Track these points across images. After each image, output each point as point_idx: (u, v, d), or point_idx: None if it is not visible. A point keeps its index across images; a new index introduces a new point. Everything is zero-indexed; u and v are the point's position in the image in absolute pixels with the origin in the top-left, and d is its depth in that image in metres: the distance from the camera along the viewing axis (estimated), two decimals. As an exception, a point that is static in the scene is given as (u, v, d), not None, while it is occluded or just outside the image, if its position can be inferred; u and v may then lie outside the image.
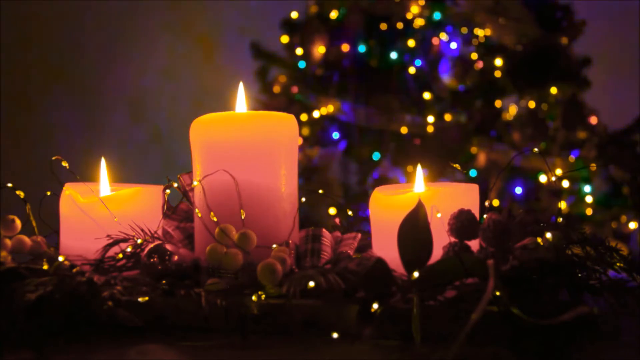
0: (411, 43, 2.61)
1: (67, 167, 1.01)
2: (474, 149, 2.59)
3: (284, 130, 0.99)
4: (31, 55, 3.47)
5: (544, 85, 2.61)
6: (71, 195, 1.00)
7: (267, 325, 0.86)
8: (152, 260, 0.91)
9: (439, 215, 0.88)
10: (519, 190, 2.58)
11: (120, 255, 0.94)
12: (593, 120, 2.70)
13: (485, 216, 0.88)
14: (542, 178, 2.56)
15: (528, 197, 2.59)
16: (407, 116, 2.60)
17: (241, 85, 1.05)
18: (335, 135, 2.70)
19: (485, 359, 0.78)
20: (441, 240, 0.87)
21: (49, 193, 1.02)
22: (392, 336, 0.83)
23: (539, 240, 0.87)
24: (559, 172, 2.52)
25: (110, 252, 0.94)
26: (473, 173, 2.53)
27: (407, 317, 0.80)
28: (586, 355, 0.77)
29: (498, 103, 2.65)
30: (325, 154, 2.64)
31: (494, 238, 0.85)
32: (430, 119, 2.56)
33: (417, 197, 0.87)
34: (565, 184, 2.60)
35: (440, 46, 2.61)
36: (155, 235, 0.97)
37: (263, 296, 0.85)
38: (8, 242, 0.98)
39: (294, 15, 2.81)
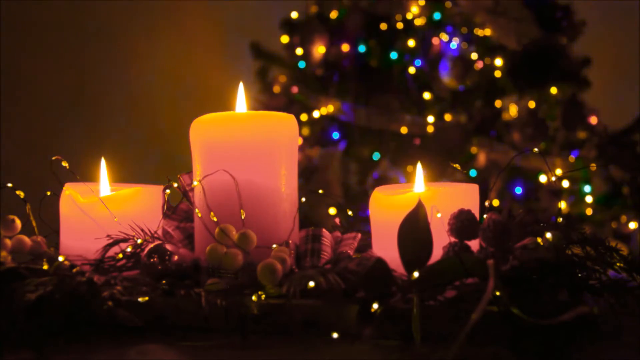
0: (411, 43, 2.60)
1: (67, 167, 1.01)
2: (474, 149, 2.59)
3: (284, 130, 0.99)
4: (31, 55, 3.47)
5: (544, 85, 2.61)
6: (71, 195, 1.00)
7: (267, 325, 0.86)
8: (152, 260, 0.91)
9: (439, 215, 0.88)
10: (519, 190, 2.58)
11: (120, 255, 0.94)
12: (593, 120, 2.70)
13: (485, 216, 0.88)
14: (542, 178, 2.56)
15: (528, 197, 2.58)
16: (407, 116, 2.59)
17: (241, 85, 1.05)
18: (335, 135, 2.70)
19: (485, 359, 0.78)
20: (441, 240, 0.87)
21: (49, 193, 1.02)
22: (392, 336, 0.83)
23: (539, 240, 0.87)
24: (559, 172, 2.52)
25: (110, 252, 0.94)
26: (473, 173, 2.53)
27: (407, 317, 0.80)
28: (586, 355, 0.77)
29: (498, 103, 2.65)
30: (325, 154, 2.64)
31: (494, 238, 0.85)
32: (430, 119, 2.56)
33: (417, 197, 0.87)
34: (565, 184, 2.60)
35: (440, 46, 2.61)
36: (155, 235, 0.97)
37: (263, 296, 0.85)
38: (8, 242, 0.98)
39: (294, 15, 2.81)
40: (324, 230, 1.00)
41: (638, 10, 3.29)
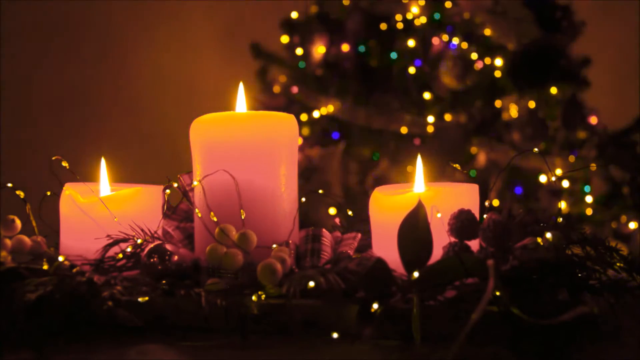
0: (411, 43, 2.60)
1: (67, 167, 1.01)
2: (474, 149, 2.59)
3: (284, 130, 0.99)
4: (31, 55, 3.47)
5: (544, 85, 2.61)
6: (71, 195, 1.00)
7: (267, 325, 0.86)
8: (152, 260, 0.91)
9: (439, 215, 0.88)
10: (519, 190, 2.58)
11: (120, 255, 0.94)
12: (593, 120, 2.70)
13: (485, 216, 0.88)
14: (542, 178, 2.56)
15: (528, 197, 2.58)
16: (407, 116, 2.59)
17: (241, 85, 1.05)
18: (335, 135, 2.70)
19: (485, 359, 0.78)
20: (441, 240, 0.87)
21: (49, 193, 1.02)
22: (392, 336, 0.83)
23: (539, 240, 0.87)
24: (559, 172, 2.52)
25: (110, 252, 0.94)
26: (473, 173, 2.53)
27: (407, 317, 0.80)
28: (586, 355, 0.77)
29: (498, 103, 2.65)
30: (325, 154, 2.64)
31: (494, 238, 0.85)
32: (430, 119, 2.56)
33: (417, 197, 0.87)
34: (565, 184, 2.60)
35: (440, 46, 2.61)
36: (155, 235, 0.97)
37: (263, 296, 0.85)
38: (8, 242, 0.98)
39: (294, 15, 2.81)
40: (324, 230, 1.00)
41: (638, 10, 3.29)
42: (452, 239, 0.88)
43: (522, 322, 0.76)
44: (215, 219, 0.93)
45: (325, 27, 2.72)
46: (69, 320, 0.85)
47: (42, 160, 1.07)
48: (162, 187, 1.02)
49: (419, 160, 0.98)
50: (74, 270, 0.91)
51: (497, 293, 0.77)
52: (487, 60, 2.60)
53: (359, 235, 1.02)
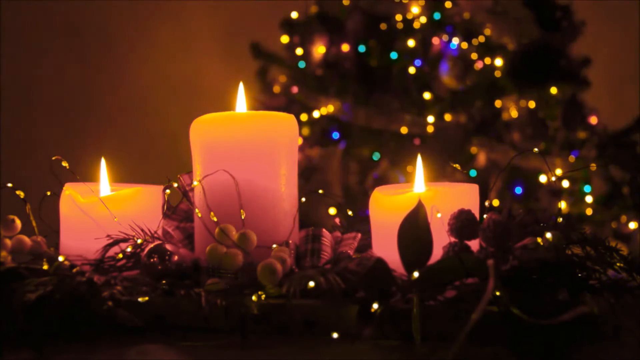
0: (411, 43, 2.61)
1: (67, 167, 1.01)
2: (474, 149, 2.59)
3: (284, 130, 0.99)
4: (31, 55, 3.47)
5: (544, 85, 2.61)
6: (71, 195, 1.00)
7: (267, 325, 0.86)
8: (152, 260, 0.91)
9: (439, 215, 0.88)
10: (519, 190, 2.58)
11: (120, 255, 0.94)
12: (593, 120, 2.70)
13: (485, 216, 0.88)
14: (542, 178, 2.56)
15: (528, 197, 2.59)
16: (407, 116, 2.59)
17: (241, 85, 1.05)
18: (335, 135, 2.70)
19: (485, 359, 0.78)
20: (441, 240, 0.87)
21: (49, 193, 1.02)
22: (392, 336, 0.83)
23: (539, 240, 0.87)
24: (559, 172, 2.52)
25: (110, 252, 0.94)
26: (473, 173, 2.53)
27: (407, 317, 0.80)
28: (586, 355, 0.77)
29: (498, 103, 2.65)
30: (325, 154, 2.64)
31: (494, 238, 0.85)
32: (430, 119, 2.56)
33: (417, 197, 0.87)
34: (565, 184, 2.60)
35: (440, 46, 2.61)
36: (155, 235, 0.97)
37: (263, 296, 0.85)
38: (8, 242, 0.98)
39: (294, 15, 2.81)
40: (324, 230, 1.00)
41: (638, 10, 3.29)
42: (452, 239, 0.88)
43: (522, 322, 0.76)
44: (215, 219, 0.93)
45: (325, 27, 2.72)
46: (69, 320, 0.85)
47: (42, 160, 1.07)
48: (162, 187, 1.02)
49: (419, 160, 0.98)
50: (74, 270, 0.91)
51: (497, 293, 0.77)
52: (487, 60, 2.60)
53: (359, 235, 1.02)
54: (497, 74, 2.60)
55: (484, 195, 0.95)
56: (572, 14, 2.72)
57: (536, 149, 1.03)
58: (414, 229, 0.84)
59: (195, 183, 0.98)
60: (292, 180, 1.00)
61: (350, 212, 1.11)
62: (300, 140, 2.69)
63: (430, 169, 1.02)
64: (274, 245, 0.93)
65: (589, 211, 2.62)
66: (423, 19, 2.62)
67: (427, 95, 2.58)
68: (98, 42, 3.51)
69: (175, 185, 1.00)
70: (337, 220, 1.09)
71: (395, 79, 2.63)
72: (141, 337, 0.86)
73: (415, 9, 2.62)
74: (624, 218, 2.64)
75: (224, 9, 3.54)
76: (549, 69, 2.62)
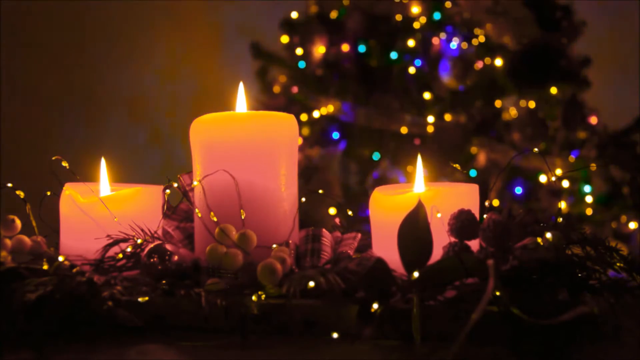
0: (411, 43, 2.60)
1: (67, 167, 1.01)
2: (474, 149, 2.59)
3: (284, 130, 0.99)
4: (31, 55, 3.47)
5: (544, 85, 2.61)
6: (71, 195, 1.00)
7: (267, 325, 0.86)
8: (152, 260, 0.91)
9: (439, 215, 0.88)
10: (519, 190, 2.58)
11: (120, 255, 0.94)
12: (593, 120, 2.70)
13: (485, 216, 0.88)
14: (542, 178, 2.56)
15: (528, 197, 2.58)
16: (407, 116, 2.59)
17: (241, 85, 1.05)
18: (335, 135, 2.70)
19: (485, 359, 0.78)
20: (441, 240, 0.87)
21: (49, 193, 1.02)
22: (392, 336, 0.83)
23: (539, 240, 0.87)
24: (559, 172, 2.52)
25: (110, 252, 0.94)
26: (473, 173, 2.53)
27: (407, 317, 0.80)
28: (586, 355, 0.77)
29: (498, 103, 2.65)
30: (325, 154, 2.64)
31: (494, 238, 0.85)
32: (430, 119, 2.56)
33: (417, 197, 0.87)
34: (565, 184, 2.60)
35: (440, 46, 2.61)
36: (155, 235, 0.97)
37: (263, 296, 0.85)
38: (8, 242, 0.98)
39: (294, 15, 2.80)
40: (324, 230, 1.00)
41: (638, 10, 3.29)
42: (452, 239, 0.88)
43: (522, 322, 0.76)
44: (215, 219, 0.93)
45: (325, 27, 2.72)
46: (69, 320, 0.85)
47: (42, 160, 1.07)
48: (162, 187, 1.02)
49: (419, 160, 0.98)
50: (74, 270, 0.91)
51: (497, 293, 0.77)
52: (487, 60, 2.60)
53: (359, 235, 1.02)
54: (497, 74, 2.60)
55: (484, 195, 0.95)
56: (572, 14, 2.72)
57: (536, 149, 1.04)
58: (414, 229, 0.84)
59: (195, 183, 0.98)
60: (292, 180, 1.00)
61: (350, 212, 1.11)
62: (300, 140, 2.69)
63: (430, 169, 1.02)
64: (274, 245, 0.93)
65: (589, 211, 2.62)
66: (423, 19, 2.62)
67: (427, 95, 2.58)
68: (98, 42, 3.51)
69: (175, 185, 1.00)
70: (337, 220, 1.09)
71: (395, 79, 2.62)
72: (141, 337, 0.86)
73: (415, 9, 2.62)
74: (624, 218, 2.64)
75: (224, 9, 3.54)
76: (549, 69, 2.62)
